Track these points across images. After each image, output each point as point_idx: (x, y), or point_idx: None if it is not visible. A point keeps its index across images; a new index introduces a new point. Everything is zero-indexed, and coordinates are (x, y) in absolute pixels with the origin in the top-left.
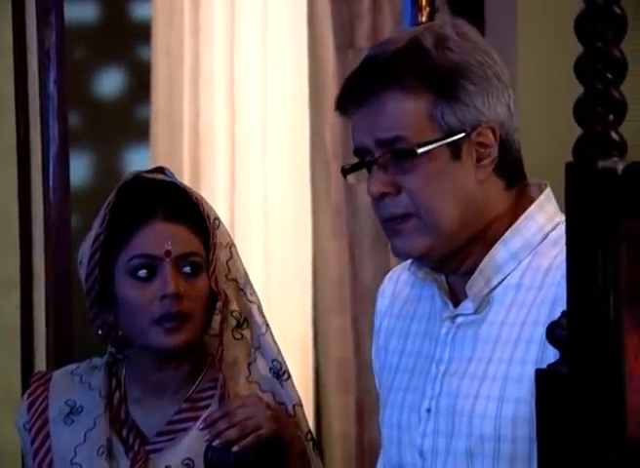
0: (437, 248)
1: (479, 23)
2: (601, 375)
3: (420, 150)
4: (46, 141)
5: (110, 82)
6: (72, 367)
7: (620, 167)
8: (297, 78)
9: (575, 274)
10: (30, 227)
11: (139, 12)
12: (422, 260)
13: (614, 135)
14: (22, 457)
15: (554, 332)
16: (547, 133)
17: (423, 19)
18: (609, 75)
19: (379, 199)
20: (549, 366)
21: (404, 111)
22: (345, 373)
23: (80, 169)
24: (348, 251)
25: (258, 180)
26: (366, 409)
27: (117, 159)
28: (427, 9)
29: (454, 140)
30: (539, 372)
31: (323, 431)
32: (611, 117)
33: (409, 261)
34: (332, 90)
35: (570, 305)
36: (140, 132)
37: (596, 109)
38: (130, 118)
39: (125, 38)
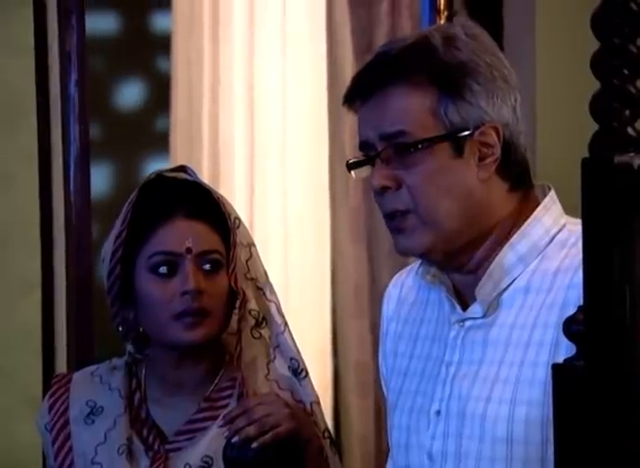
0: (439, 245)
1: (497, 26)
2: (617, 369)
3: (422, 145)
4: (67, 144)
5: (131, 93)
6: (92, 368)
7: (637, 162)
8: (316, 82)
9: (591, 269)
10: (51, 229)
11: (159, 24)
12: (425, 258)
13: (630, 130)
14: (44, 458)
15: (570, 328)
16: (565, 135)
17: (442, 22)
18: (625, 71)
19: (380, 193)
20: (566, 360)
21: (408, 106)
22: (364, 376)
23: (101, 180)
24: (367, 254)
25: (277, 189)
26: (384, 412)
27: (137, 170)
28: (446, 12)
29: (456, 138)
30: (555, 367)
31: (342, 433)
32: (627, 113)
33: (415, 266)
34: None
35: (586, 300)
36: (160, 143)
37: (612, 105)
38: (150, 129)
39: (145, 50)
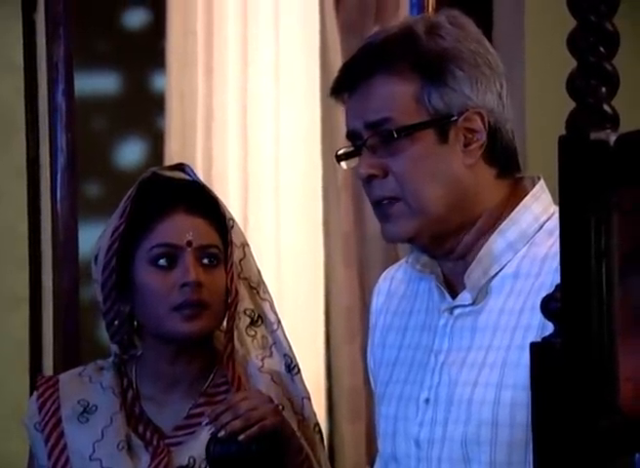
0: (424, 230)
1: (487, 16)
2: (594, 346)
3: (407, 132)
4: (54, 155)
5: (130, 152)
6: (79, 369)
7: (613, 138)
8: (309, 114)
9: (567, 245)
10: (39, 244)
11: (158, 83)
12: (412, 243)
13: (606, 107)
14: (29, 459)
15: (548, 306)
16: (554, 125)
17: None
18: (601, 48)
19: (367, 181)
20: (544, 338)
21: (392, 94)
22: (357, 401)
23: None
24: (358, 279)
25: (270, 218)
26: (376, 436)
27: None
28: None
29: (440, 124)
30: (533, 345)
31: (336, 458)
32: (603, 90)
33: (403, 260)
34: (343, 124)
35: (563, 276)
36: None
37: (589, 82)
38: None
39: (145, 109)
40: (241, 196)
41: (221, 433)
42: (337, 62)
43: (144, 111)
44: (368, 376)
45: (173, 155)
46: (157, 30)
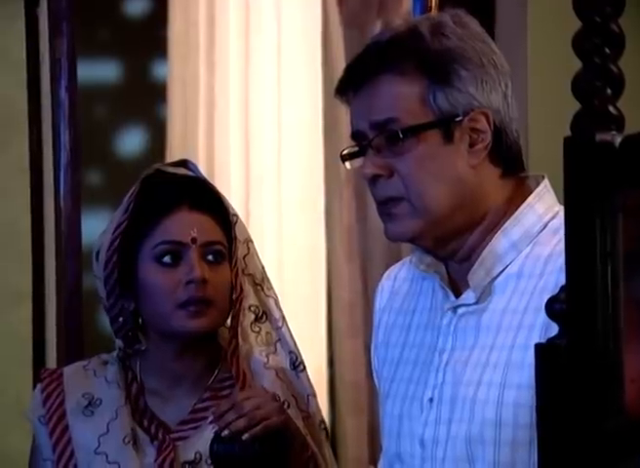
0: (428, 230)
1: (490, 15)
2: (599, 347)
3: (412, 132)
4: (57, 151)
5: (131, 140)
6: (83, 362)
7: (618, 140)
8: (311, 104)
9: (572, 246)
10: (42, 239)
11: (160, 71)
12: (415, 243)
13: (611, 108)
14: (32, 452)
15: (553, 307)
16: (557, 123)
17: None
18: (607, 50)
19: (372, 181)
20: (549, 339)
21: (397, 94)
22: (359, 396)
23: (99, 228)
24: (360, 274)
25: (272, 211)
26: (378, 431)
27: None
28: None
29: (445, 124)
30: (538, 346)
31: (337, 452)
32: (608, 91)
33: (409, 258)
34: (345, 117)
35: (568, 277)
36: None
37: (594, 83)
38: None
39: (146, 97)
40: (243, 187)
41: (225, 432)
42: (339, 55)
43: (146, 100)
44: (370, 371)
45: (174, 144)
46: (159, 19)
